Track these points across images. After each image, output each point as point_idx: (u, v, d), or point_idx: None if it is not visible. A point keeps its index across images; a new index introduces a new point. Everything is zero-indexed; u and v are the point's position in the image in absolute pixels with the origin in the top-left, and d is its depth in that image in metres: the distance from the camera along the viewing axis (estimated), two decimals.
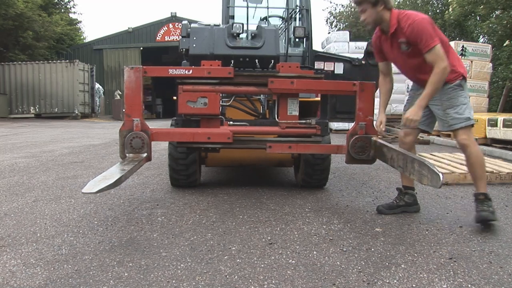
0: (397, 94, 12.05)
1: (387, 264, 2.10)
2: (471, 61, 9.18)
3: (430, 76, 2.64)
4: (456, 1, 12.74)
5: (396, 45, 2.78)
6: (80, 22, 31.76)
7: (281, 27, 4.59)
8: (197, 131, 3.02)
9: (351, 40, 11.47)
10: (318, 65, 3.79)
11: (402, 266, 2.08)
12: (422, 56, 2.65)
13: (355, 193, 3.71)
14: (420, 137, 8.96)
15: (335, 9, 26.74)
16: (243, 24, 3.35)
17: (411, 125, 2.70)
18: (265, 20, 4.47)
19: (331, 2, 35.91)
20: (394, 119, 12.36)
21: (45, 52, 21.13)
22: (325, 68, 3.73)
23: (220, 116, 3.09)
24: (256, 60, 3.24)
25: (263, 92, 3.33)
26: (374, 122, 3.04)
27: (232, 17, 4.27)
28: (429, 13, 17.85)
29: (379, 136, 3.04)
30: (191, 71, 2.95)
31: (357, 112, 3.00)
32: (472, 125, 2.76)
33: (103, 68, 23.38)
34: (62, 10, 25.22)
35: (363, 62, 3.77)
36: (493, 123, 6.83)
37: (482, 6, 11.51)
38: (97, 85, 20.59)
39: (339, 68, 3.78)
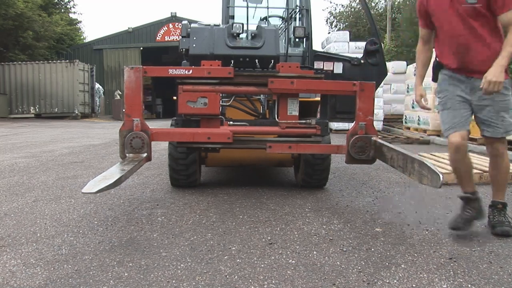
0: (397, 94, 12.06)
1: (387, 264, 2.10)
2: None
3: (487, 50, 2.38)
4: None
5: None
6: (80, 22, 31.81)
7: (281, 27, 4.59)
8: (197, 131, 3.02)
9: (351, 40, 11.46)
10: (317, 65, 3.79)
11: (402, 266, 2.08)
12: (488, 18, 2.37)
13: (355, 193, 3.71)
14: (420, 137, 8.95)
15: (335, 9, 26.80)
16: (243, 24, 3.35)
17: (495, 89, 2.29)
18: (265, 20, 4.47)
19: (331, 2, 35.93)
20: (394, 119, 12.36)
21: (45, 52, 21.14)
22: (324, 68, 3.73)
23: (220, 116, 3.09)
24: (256, 60, 3.24)
25: (263, 92, 3.33)
26: (377, 119, 3.00)
27: (232, 17, 4.27)
28: None
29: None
30: (191, 71, 2.95)
31: (357, 112, 3.00)
32: None
33: (103, 68, 23.38)
34: (62, 10, 25.24)
35: (362, 61, 3.76)
36: None
37: None
38: (97, 85, 20.60)
39: (338, 68, 3.77)
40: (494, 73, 2.28)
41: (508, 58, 2.31)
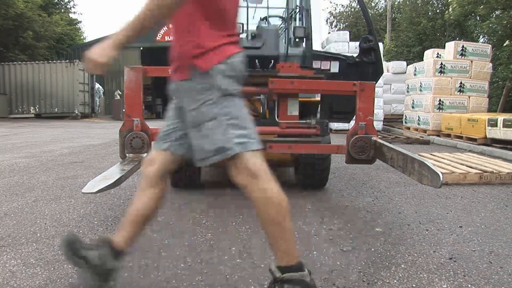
0: (397, 94, 12.07)
1: (387, 264, 2.10)
2: (471, 61, 9.17)
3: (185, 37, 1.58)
4: (456, 1, 12.76)
5: None
6: (80, 22, 31.84)
7: (281, 27, 4.59)
8: None
9: (351, 40, 11.46)
10: (315, 64, 3.79)
11: (402, 266, 2.08)
12: None
13: (355, 193, 3.71)
14: (420, 137, 8.94)
15: (335, 9, 26.84)
16: (243, 24, 3.35)
17: (98, 71, 1.51)
18: (265, 20, 4.47)
19: (331, 2, 35.93)
20: (394, 119, 12.37)
21: (45, 52, 21.12)
22: (322, 68, 3.73)
23: None
24: (256, 60, 3.24)
25: (263, 92, 3.33)
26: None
27: None
28: (429, 13, 17.88)
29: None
30: None
31: (357, 112, 3.00)
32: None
33: None
34: (62, 10, 25.23)
35: (357, 59, 3.75)
36: (493, 123, 6.84)
37: (482, 6, 11.51)
38: (97, 85, 20.60)
39: (334, 67, 3.77)
40: (98, 50, 1.49)
41: (130, 32, 1.51)
